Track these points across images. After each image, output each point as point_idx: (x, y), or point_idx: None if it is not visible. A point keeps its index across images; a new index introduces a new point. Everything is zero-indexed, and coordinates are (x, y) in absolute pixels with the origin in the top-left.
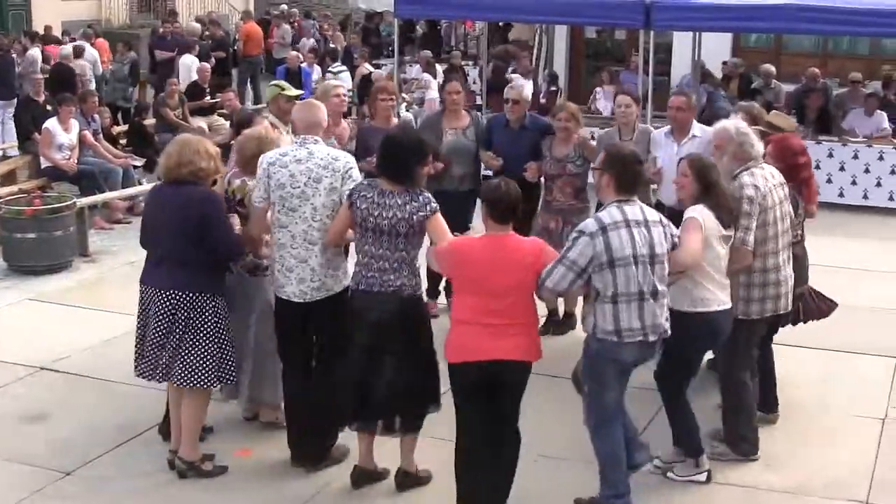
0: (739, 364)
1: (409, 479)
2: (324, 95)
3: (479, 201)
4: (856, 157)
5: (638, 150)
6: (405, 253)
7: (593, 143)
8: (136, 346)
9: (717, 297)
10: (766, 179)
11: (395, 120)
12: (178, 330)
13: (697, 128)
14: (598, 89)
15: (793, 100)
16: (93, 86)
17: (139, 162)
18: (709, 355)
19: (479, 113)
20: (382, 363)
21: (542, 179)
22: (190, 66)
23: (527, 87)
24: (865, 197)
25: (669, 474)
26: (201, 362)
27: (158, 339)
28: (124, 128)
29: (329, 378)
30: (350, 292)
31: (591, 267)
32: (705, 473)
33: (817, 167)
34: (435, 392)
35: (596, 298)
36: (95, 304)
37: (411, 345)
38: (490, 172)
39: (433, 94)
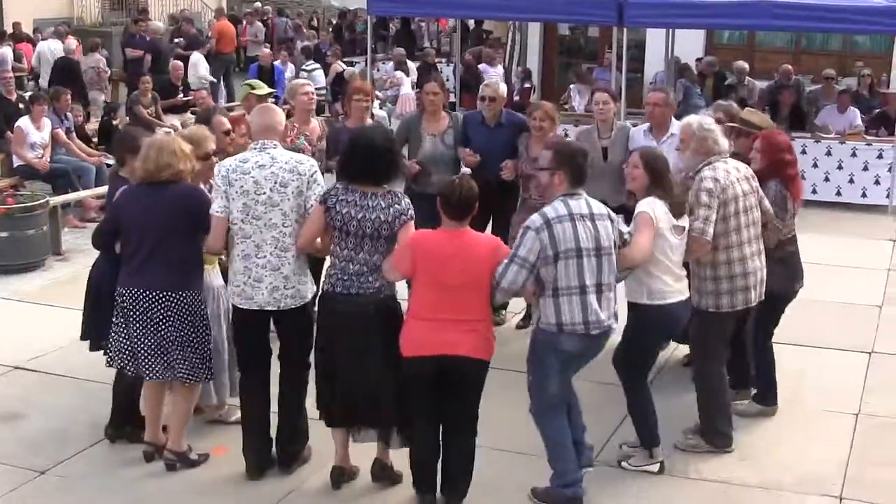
0: (712, 356)
1: (386, 472)
2: (292, 94)
3: None
4: (829, 153)
5: (616, 147)
6: (383, 256)
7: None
8: (122, 347)
9: (674, 288)
10: (727, 173)
11: (369, 120)
12: (170, 328)
13: (676, 125)
14: (571, 86)
15: (766, 96)
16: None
17: (112, 160)
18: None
19: (457, 113)
20: (362, 364)
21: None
22: (197, 64)
23: (502, 85)
24: (838, 193)
25: (623, 464)
26: (198, 358)
27: (153, 339)
28: (97, 126)
29: (300, 382)
30: (324, 295)
31: (539, 261)
32: (658, 465)
33: None
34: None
35: (542, 291)
36: (69, 302)
37: (390, 347)
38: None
39: (406, 91)
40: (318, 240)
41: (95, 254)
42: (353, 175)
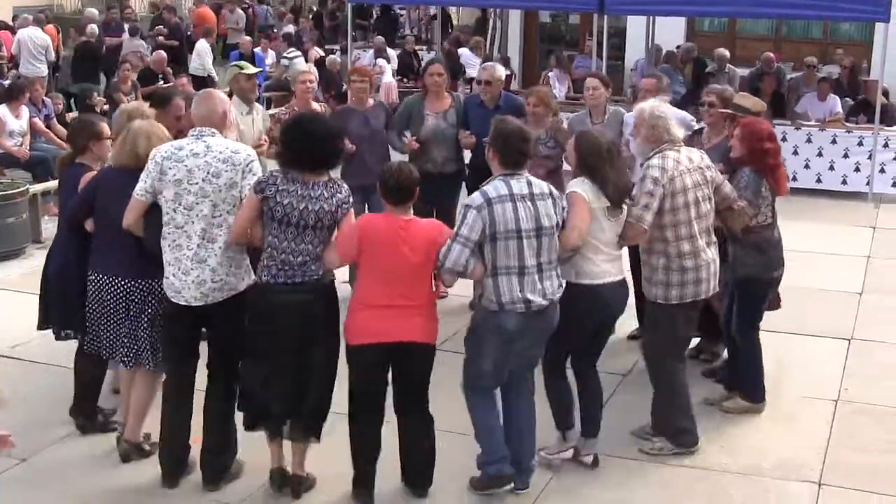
0: (666, 351)
1: (305, 484)
2: (293, 80)
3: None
4: (809, 140)
5: (610, 132)
6: (323, 245)
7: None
8: (92, 330)
9: (603, 269)
10: (677, 163)
11: (370, 101)
12: (133, 314)
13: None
14: (551, 73)
15: (747, 84)
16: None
17: None
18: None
19: (459, 94)
20: (306, 354)
21: None
22: (201, 52)
23: (498, 67)
24: (818, 181)
25: (542, 453)
26: (153, 344)
27: (116, 323)
28: (76, 114)
29: (226, 389)
30: (264, 286)
31: (482, 239)
32: (571, 450)
33: None
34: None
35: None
36: None
37: (332, 335)
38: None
39: (388, 79)
40: (251, 230)
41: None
42: (293, 161)
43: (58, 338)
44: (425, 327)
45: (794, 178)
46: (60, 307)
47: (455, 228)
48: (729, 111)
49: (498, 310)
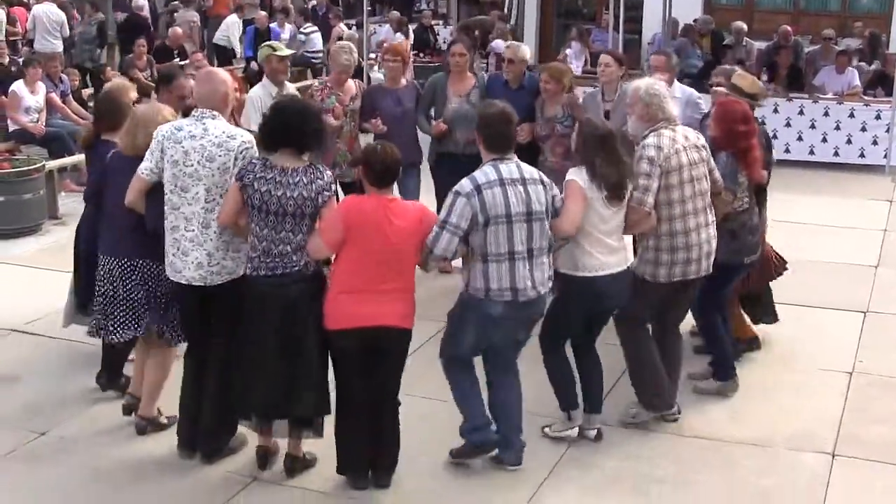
0: (633, 321)
1: (298, 464)
2: (333, 57)
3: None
4: (826, 114)
5: (619, 110)
6: (305, 234)
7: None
8: (100, 310)
9: (602, 262)
10: (673, 141)
11: (403, 81)
12: (135, 294)
13: (678, 88)
14: (569, 50)
15: (764, 57)
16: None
17: None
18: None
19: (483, 74)
20: (291, 352)
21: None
22: (230, 25)
23: (523, 47)
24: (836, 154)
25: (546, 429)
26: (161, 321)
27: (119, 304)
28: (91, 90)
29: (225, 367)
30: (249, 279)
31: (470, 227)
32: (576, 429)
33: (788, 125)
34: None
35: (472, 256)
36: (66, 266)
37: (317, 330)
38: None
39: None
40: (238, 219)
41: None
42: (272, 143)
43: (81, 313)
44: (403, 312)
45: (812, 152)
46: (88, 285)
47: (442, 215)
48: (724, 90)
49: (484, 297)
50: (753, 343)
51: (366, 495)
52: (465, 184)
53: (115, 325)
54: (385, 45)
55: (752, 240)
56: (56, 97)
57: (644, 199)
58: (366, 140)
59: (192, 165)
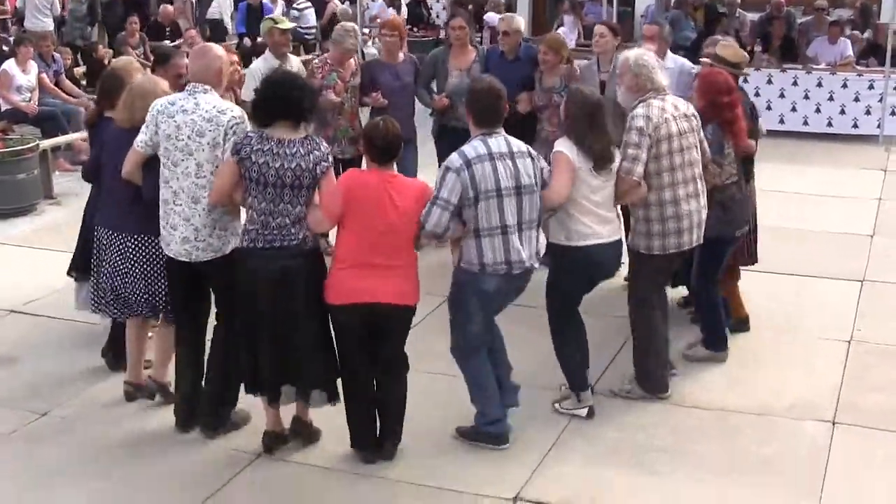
0: (644, 300)
1: (305, 429)
2: (340, 37)
3: None
4: (820, 84)
5: (615, 81)
6: (304, 207)
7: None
8: (98, 284)
9: (595, 231)
10: (662, 111)
11: (401, 56)
12: (130, 268)
13: (671, 59)
14: (563, 26)
15: (757, 28)
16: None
17: None
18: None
19: (483, 47)
20: (290, 320)
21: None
22: (222, 2)
23: (517, 18)
24: (829, 124)
25: (556, 405)
26: (153, 297)
27: (119, 277)
28: (84, 68)
29: (224, 342)
30: (244, 251)
31: (462, 202)
32: (586, 409)
33: (781, 95)
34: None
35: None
36: (62, 246)
37: (317, 300)
38: None
39: None
40: (233, 194)
41: (87, 197)
42: (267, 117)
43: (80, 281)
44: (404, 288)
45: (806, 123)
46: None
47: (435, 190)
48: (708, 61)
49: (479, 272)
50: (744, 324)
51: (371, 469)
52: (454, 159)
53: (119, 303)
54: (380, 20)
55: (742, 212)
56: (46, 78)
57: (633, 169)
58: (365, 115)
59: (183, 140)
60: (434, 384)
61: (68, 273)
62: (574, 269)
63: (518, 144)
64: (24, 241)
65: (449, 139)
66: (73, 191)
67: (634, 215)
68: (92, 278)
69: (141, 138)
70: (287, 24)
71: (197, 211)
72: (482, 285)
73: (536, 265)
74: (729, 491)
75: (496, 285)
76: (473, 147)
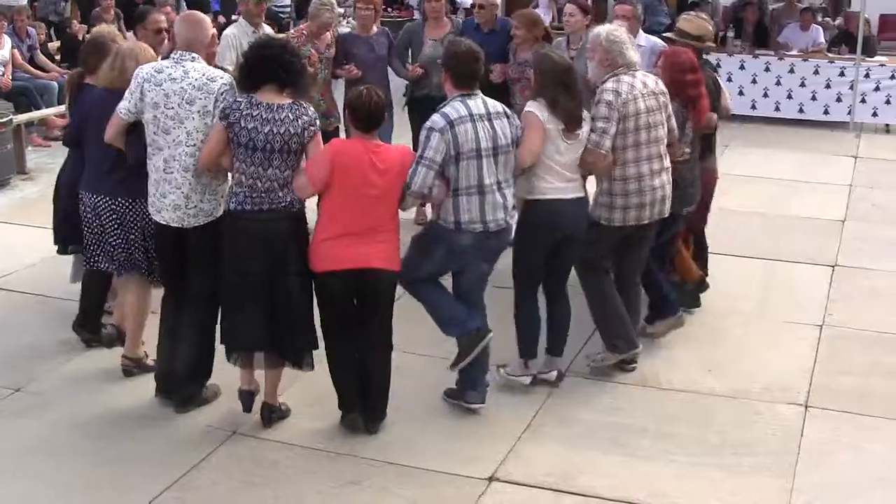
0: (593, 267)
1: (277, 413)
2: (315, 13)
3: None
4: (792, 71)
5: (583, 59)
6: (292, 171)
7: None
8: (89, 247)
9: (556, 187)
10: (631, 87)
11: (374, 28)
12: (123, 229)
13: (643, 37)
14: (537, 2)
15: (729, 14)
16: None
17: None
18: None
19: (458, 19)
20: (275, 286)
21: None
22: None
23: None
24: (801, 111)
25: (501, 370)
26: (147, 254)
27: (108, 238)
28: (58, 43)
29: (201, 316)
30: (232, 213)
31: (445, 161)
32: (530, 377)
33: (754, 81)
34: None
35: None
36: (36, 221)
37: (302, 263)
38: None
39: None
40: (221, 158)
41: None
42: (254, 83)
43: (63, 252)
44: (389, 254)
45: (777, 108)
46: (67, 223)
47: (419, 151)
48: (671, 36)
49: (454, 229)
50: (702, 285)
51: (346, 447)
52: (437, 119)
53: (103, 256)
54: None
55: (691, 191)
56: (19, 53)
57: (601, 142)
58: (338, 88)
59: (173, 108)
60: (413, 364)
61: (56, 243)
62: (537, 225)
63: (494, 105)
64: None
65: (421, 108)
66: (46, 166)
67: (599, 187)
68: (86, 240)
69: (124, 105)
70: None
71: (188, 178)
72: (455, 240)
73: (512, 220)
74: (703, 472)
75: (470, 242)
76: (454, 108)
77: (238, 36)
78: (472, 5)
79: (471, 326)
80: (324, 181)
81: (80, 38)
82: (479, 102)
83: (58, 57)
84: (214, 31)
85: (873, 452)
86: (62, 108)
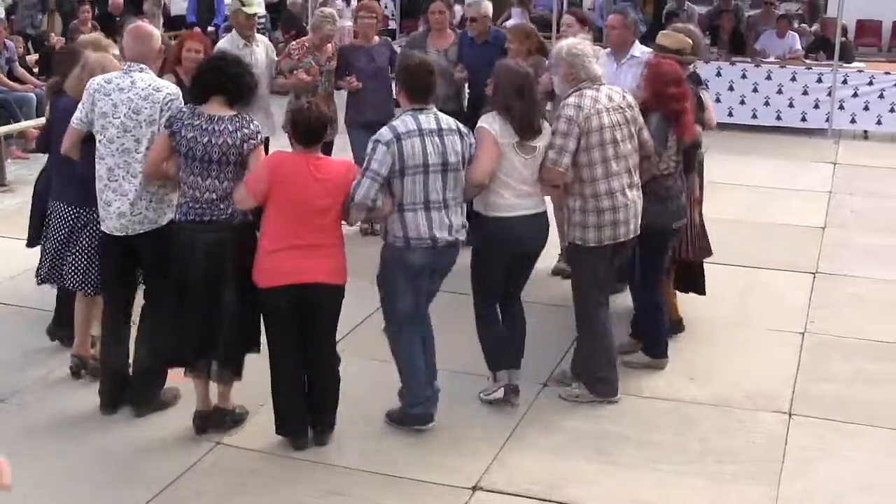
0: (586, 296)
1: (231, 417)
2: (316, 26)
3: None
4: (769, 78)
5: None
6: (232, 182)
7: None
8: (48, 259)
9: (512, 203)
10: (594, 101)
11: (376, 38)
12: (75, 240)
13: (638, 48)
14: (512, 10)
15: (705, 21)
16: None
17: None
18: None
19: (463, 31)
20: (215, 297)
21: None
22: None
23: (484, 4)
24: (778, 118)
25: (481, 394)
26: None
27: (62, 249)
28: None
29: (155, 317)
30: (176, 224)
31: (390, 174)
32: (501, 390)
33: (731, 88)
34: (256, 332)
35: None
36: (16, 233)
37: (243, 275)
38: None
39: (346, 23)
40: (165, 167)
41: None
42: (202, 95)
43: (32, 246)
44: (332, 268)
45: (755, 116)
46: (39, 229)
47: (364, 163)
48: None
49: (404, 245)
50: (678, 326)
51: (325, 457)
52: (384, 132)
53: (69, 272)
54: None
55: (678, 203)
56: None
57: (559, 160)
58: (340, 99)
59: (119, 118)
60: (390, 373)
61: (28, 246)
62: (495, 242)
63: (448, 121)
64: None
65: None
66: (25, 178)
67: (570, 206)
68: (42, 248)
69: (77, 115)
70: (253, 9)
71: (133, 185)
72: (407, 259)
73: (461, 237)
74: (687, 480)
75: (421, 259)
76: (403, 122)
77: (229, 49)
78: (464, 18)
79: (425, 412)
80: (263, 193)
81: (58, 50)
82: (431, 118)
83: (36, 69)
84: (161, 44)
85: (857, 460)
86: (41, 121)
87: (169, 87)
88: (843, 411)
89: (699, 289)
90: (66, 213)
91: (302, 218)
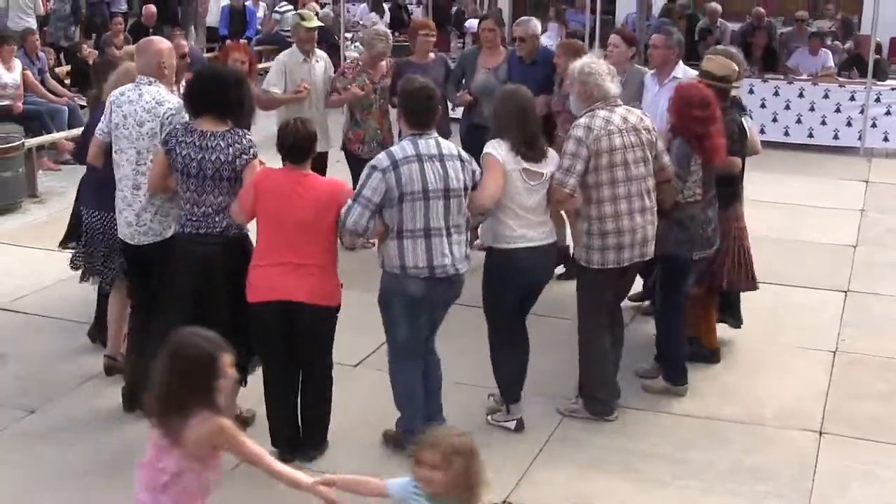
0: (587, 317)
1: (239, 419)
2: (368, 43)
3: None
4: (801, 95)
5: (627, 91)
6: (229, 196)
7: None
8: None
9: (520, 234)
10: (607, 122)
11: (432, 55)
12: (110, 244)
13: (681, 69)
14: (549, 25)
15: (738, 39)
16: None
17: (84, 101)
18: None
19: (514, 48)
20: (209, 307)
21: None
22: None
23: (532, 23)
24: (810, 135)
25: (489, 417)
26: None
27: (101, 252)
28: (69, 67)
29: (160, 325)
30: (175, 236)
31: (384, 202)
32: (514, 422)
33: (763, 106)
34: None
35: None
36: (48, 244)
37: (237, 287)
38: None
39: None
40: (171, 182)
41: (71, 195)
42: (196, 110)
43: (65, 247)
44: (315, 288)
45: (787, 133)
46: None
47: (357, 188)
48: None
49: (400, 273)
50: (714, 355)
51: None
52: (381, 158)
53: (110, 273)
54: (363, 23)
55: (702, 234)
56: (30, 74)
57: (565, 181)
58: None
59: (128, 129)
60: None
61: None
62: (502, 273)
63: (449, 147)
64: (8, 238)
65: (473, 137)
66: (57, 190)
67: (577, 226)
68: (81, 248)
69: (100, 126)
70: (314, 23)
71: (138, 197)
72: (404, 288)
73: (463, 269)
74: (717, 498)
75: (419, 289)
76: (402, 147)
77: (287, 63)
78: (514, 38)
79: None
80: (250, 208)
81: (91, 62)
82: (432, 143)
83: (67, 81)
84: (164, 58)
85: (889, 479)
86: (73, 132)
87: (170, 102)
88: (875, 430)
89: (735, 315)
90: (94, 218)
91: (286, 233)
